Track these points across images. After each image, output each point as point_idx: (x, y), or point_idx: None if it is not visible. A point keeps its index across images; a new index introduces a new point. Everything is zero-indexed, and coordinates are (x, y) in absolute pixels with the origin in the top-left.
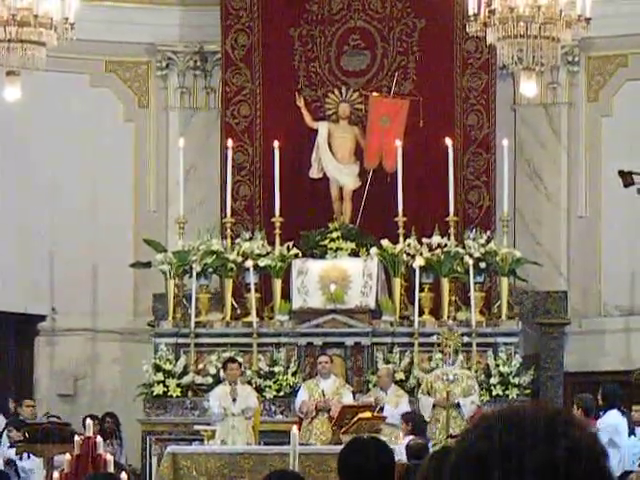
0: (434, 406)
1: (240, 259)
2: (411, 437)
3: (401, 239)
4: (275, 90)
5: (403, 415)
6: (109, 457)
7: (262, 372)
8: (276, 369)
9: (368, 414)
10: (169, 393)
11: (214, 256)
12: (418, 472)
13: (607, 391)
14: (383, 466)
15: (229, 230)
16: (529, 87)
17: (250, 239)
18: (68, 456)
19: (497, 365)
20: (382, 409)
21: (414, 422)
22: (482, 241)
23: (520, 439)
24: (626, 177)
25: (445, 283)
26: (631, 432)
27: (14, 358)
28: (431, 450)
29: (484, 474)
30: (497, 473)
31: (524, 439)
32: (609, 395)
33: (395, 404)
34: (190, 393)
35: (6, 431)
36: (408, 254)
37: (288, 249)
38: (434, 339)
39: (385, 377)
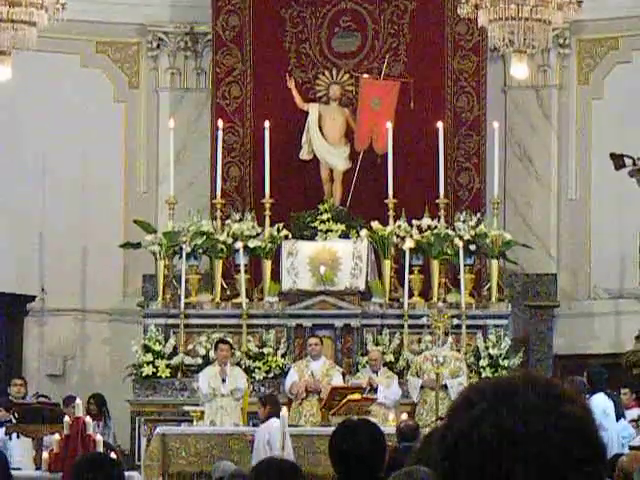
0: (422, 387)
1: (230, 240)
2: (273, 419)
3: (391, 221)
4: (266, 71)
5: (260, 397)
6: (98, 437)
7: (251, 353)
8: (265, 350)
9: (357, 396)
10: (158, 374)
11: (204, 237)
12: (411, 454)
13: (593, 374)
14: (374, 449)
15: (219, 211)
16: (520, 69)
17: (240, 220)
18: (57, 436)
19: (486, 347)
20: (376, 390)
21: (272, 403)
22: (472, 223)
23: (517, 421)
24: (617, 160)
25: (435, 265)
26: (621, 415)
27: (3, 338)
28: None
29: (486, 460)
30: (501, 458)
31: (523, 421)
32: (595, 378)
33: (386, 385)
34: (179, 374)
35: None
36: (398, 236)
37: (278, 230)
38: (424, 321)
39: (378, 359)
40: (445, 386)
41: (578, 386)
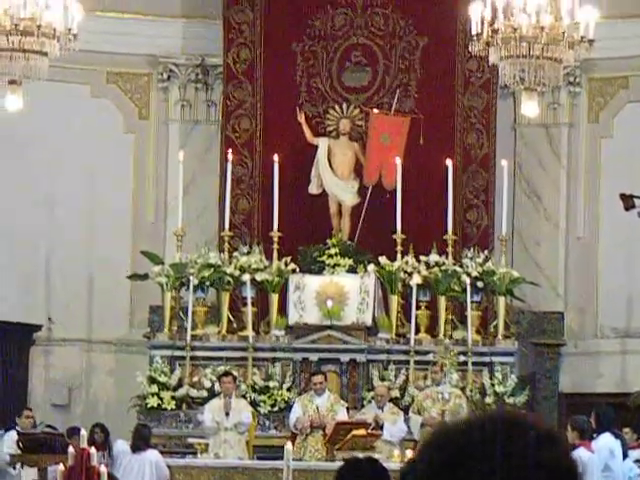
0: (422, 425)
1: (237, 273)
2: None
3: (399, 256)
4: (276, 105)
5: None
6: (102, 469)
7: (257, 386)
8: (271, 384)
9: (362, 431)
10: (163, 405)
11: (211, 269)
12: None
13: (601, 414)
14: None
15: (227, 244)
16: (530, 107)
17: (248, 253)
18: (62, 467)
19: (492, 385)
20: (382, 427)
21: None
22: (480, 260)
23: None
24: (627, 200)
25: (442, 301)
26: (626, 455)
27: (9, 367)
28: None
29: None
30: None
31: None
32: (602, 418)
33: (392, 422)
34: (184, 406)
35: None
36: (405, 272)
37: (286, 264)
38: (430, 357)
39: (385, 395)
40: None
41: (582, 425)
